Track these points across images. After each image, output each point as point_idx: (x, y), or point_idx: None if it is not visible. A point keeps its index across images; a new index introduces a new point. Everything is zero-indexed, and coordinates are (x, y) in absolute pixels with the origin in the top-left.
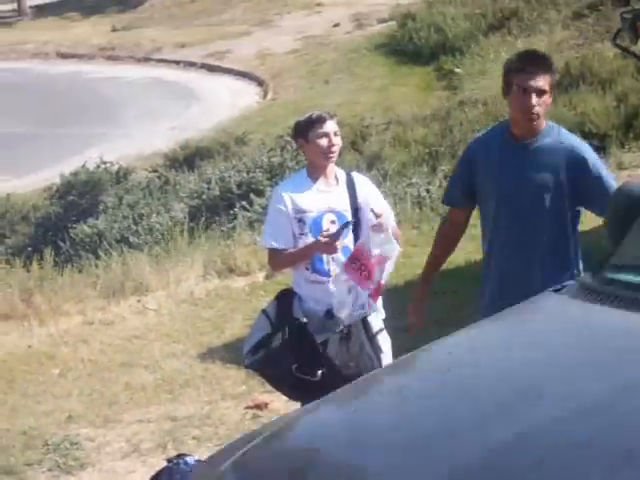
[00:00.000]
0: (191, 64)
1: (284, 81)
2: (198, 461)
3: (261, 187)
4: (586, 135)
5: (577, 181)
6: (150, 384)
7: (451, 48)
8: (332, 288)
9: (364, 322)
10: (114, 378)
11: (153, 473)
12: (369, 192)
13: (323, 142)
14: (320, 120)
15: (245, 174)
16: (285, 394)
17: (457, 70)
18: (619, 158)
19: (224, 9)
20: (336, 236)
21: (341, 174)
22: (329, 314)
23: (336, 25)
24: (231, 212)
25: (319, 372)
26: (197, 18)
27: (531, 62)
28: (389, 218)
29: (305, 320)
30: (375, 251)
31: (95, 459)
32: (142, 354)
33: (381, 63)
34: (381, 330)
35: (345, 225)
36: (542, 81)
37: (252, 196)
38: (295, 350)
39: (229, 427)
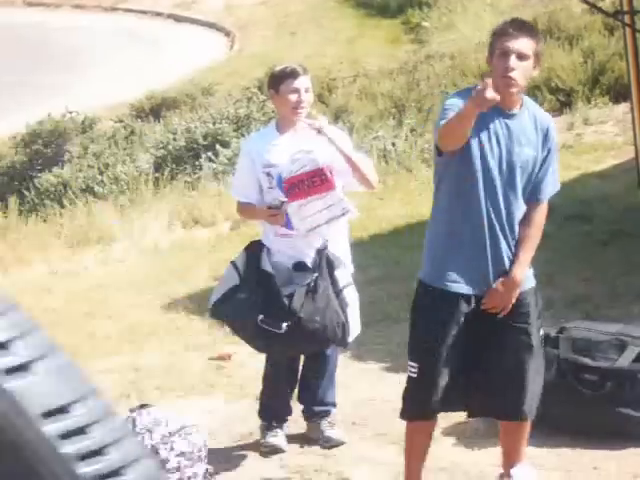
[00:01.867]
0: (158, 14)
1: (251, 33)
2: (161, 411)
3: (227, 138)
4: (552, 90)
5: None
6: (114, 334)
7: (419, 1)
8: (300, 242)
9: (332, 276)
10: (77, 328)
11: None
12: (340, 142)
13: (293, 97)
14: (293, 74)
15: (211, 125)
16: (251, 345)
17: (424, 24)
18: (585, 114)
19: None
20: (275, 210)
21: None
22: (298, 266)
23: None
24: (196, 163)
25: (284, 324)
26: None
27: (514, 26)
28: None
29: (272, 272)
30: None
31: None
32: (106, 304)
33: (349, 15)
34: (349, 284)
35: (282, 203)
36: (524, 44)
37: (218, 147)
38: (261, 302)
39: (192, 378)
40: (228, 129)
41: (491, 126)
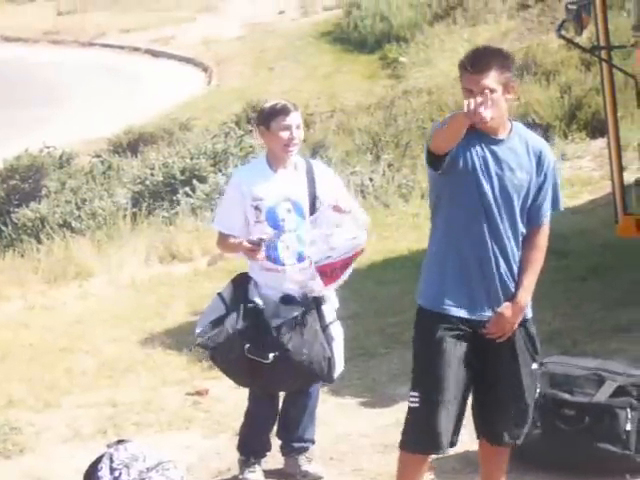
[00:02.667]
0: (136, 49)
1: (229, 68)
2: (138, 447)
3: (204, 174)
4: (530, 125)
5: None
6: (91, 369)
7: (396, 37)
8: (287, 276)
9: (319, 311)
10: (55, 363)
11: (93, 458)
12: (329, 183)
13: (284, 134)
14: (284, 111)
15: (189, 160)
16: (233, 378)
17: (402, 59)
18: (562, 149)
19: None
20: (255, 246)
21: (301, 162)
22: (285, 300)
23: (282, 12)
24: (174, 198)
25: (271, 355)
26: (142, 3)
27: (474, 61)
28: (353, 207)
29: (260, 303)
30: (338, 254)
31: (35, 444)
32: (83, 339)
33: (326, 51)
34: (334, 320)
35: (261, 240)
36: (487, 78)
37: (195, 182)
38: (248, 332)
39: (170, 413)
40: (205, 164)
41: (480, 153)
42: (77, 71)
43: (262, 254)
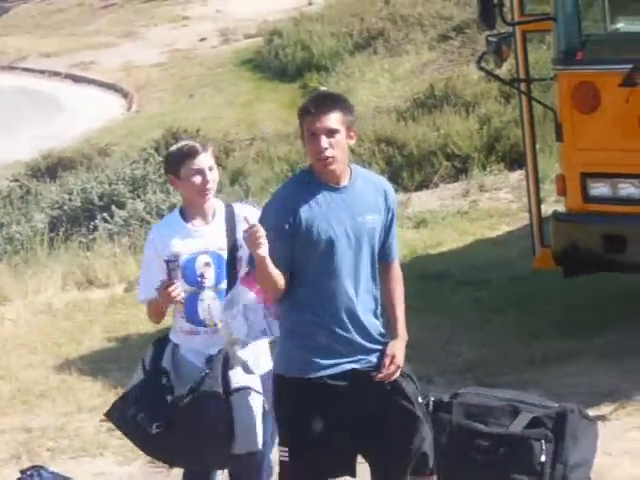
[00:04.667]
0: (56, 74)
1: (149, 94)
2: (52, 473)
3: (123, 199)
4: (449, 156)
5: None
6: (5, 394)
7: (317, 66)
8: (211, 338)
9: (224, 376)
10: None
11: None
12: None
13: (197, 180)
14: (192, 154)
15: (107, 186)
16: (136, 445)
17: (322, 88)
18: (481, 180)
19: (90, 20)
20: (167, 281)
21: (220, 207)
22: (209, 362)
23: (203, 39)
24: (92, 224)
25: (155, 425)
26: (63, 28)
27: (317, 103)
28: None
29: (169, 369)
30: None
31: None
32: None
33: (247, 79)
34: (245, 388)
35: (167, 264)
36: (331, 120)
37: (114, 208)
38: (145, 399)
39: (84, 439)
40: (124, 190)
41: (325, 204)
42: None
43: (179, 291)
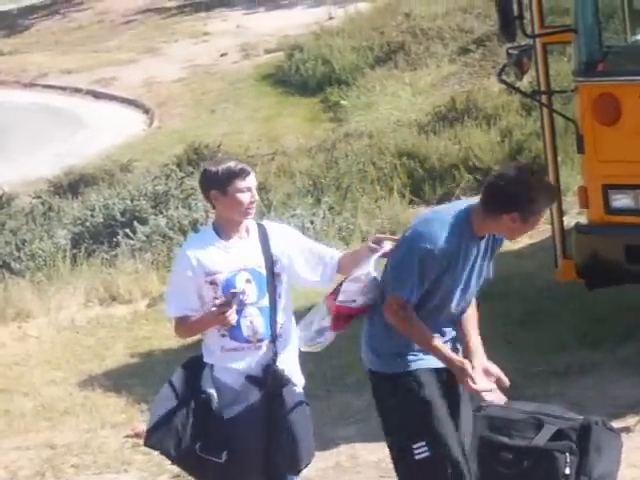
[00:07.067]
0: (77, 90)
1: (170, 109)
2: None
3: (145, 215)
4: (470, 169)
5: None
6: (29, 411)
7: (337, 80)
8: (254, 355)
9: (280, 396)
10: None
11: None
12: (286, 239)
13: (245, 197)
14: (243, 173)
15: (129, 202)
16: (190, 474)
17: (343, 102)
18: None
19: (111, 36)
20: (225, 306)
21: (252, 226)
22: (251, 379)
23: (223, 54)
24: (114, 240)
25: (224, 453)
26: (84, 44)
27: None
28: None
29: (213, 393)
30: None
31: None
32: (22, 381)
33: (268, 93)
34: (298, 403)
35: (233, 295)
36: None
37: (136, 224)
38: (199, 428)
39: (108, 456)
40: (146, 206)
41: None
42: (18, 111)
43: (236, 317)
